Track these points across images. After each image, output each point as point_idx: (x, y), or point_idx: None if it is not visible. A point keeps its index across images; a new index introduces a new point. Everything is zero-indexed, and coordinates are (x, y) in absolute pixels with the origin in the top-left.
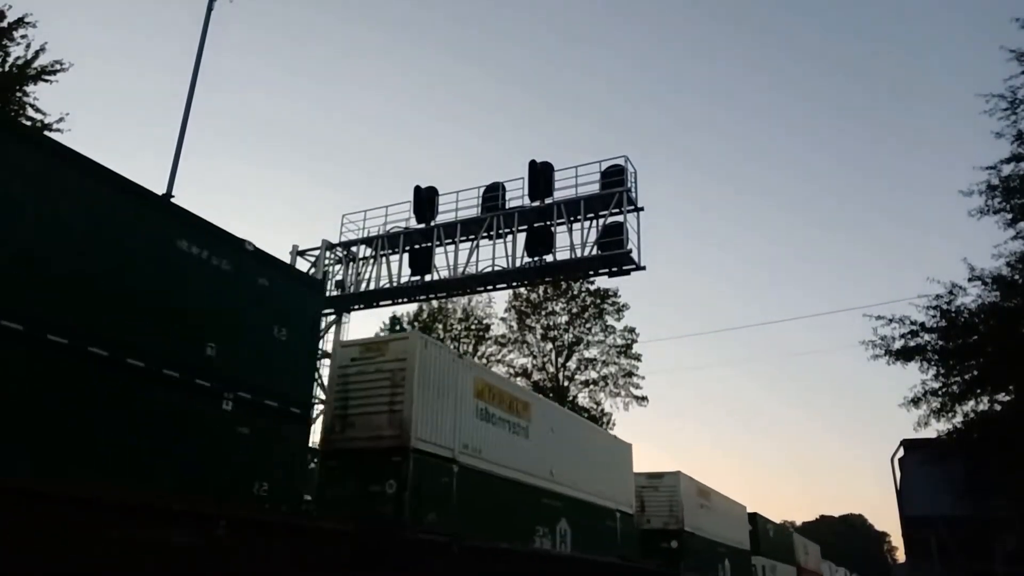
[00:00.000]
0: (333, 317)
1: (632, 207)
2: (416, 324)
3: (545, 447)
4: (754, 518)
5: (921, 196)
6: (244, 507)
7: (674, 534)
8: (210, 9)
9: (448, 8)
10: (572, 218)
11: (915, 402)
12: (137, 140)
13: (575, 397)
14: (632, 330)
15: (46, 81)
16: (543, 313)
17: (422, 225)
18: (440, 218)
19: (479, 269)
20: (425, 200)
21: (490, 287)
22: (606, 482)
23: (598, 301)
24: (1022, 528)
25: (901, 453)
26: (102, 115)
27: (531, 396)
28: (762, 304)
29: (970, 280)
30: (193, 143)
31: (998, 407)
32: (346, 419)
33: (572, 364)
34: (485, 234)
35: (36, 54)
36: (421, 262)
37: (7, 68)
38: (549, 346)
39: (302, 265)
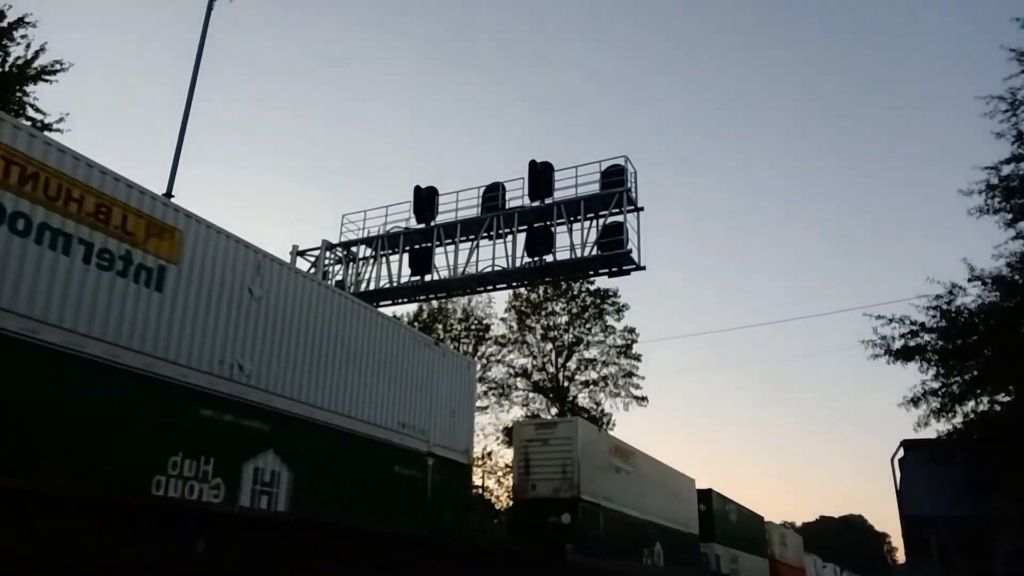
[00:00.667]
0: None
1: (632, 207)
2: (416, 324)
3: (224, 319)
4: (708, 496)
5: (921, 196)
6: None
7: (567, 504)
8: (210, 9)
9: (447, 8)
10: (572, 218)
11: (915, 402)
12: (137, 141)
13: (575, 397)
14: (632, 330)
15: (46, 81)
16: (543, 313)
17: (422, 225)
18: (440, 218)
19: (479, 269)
20: (425, 200)
21: (490, 287)
22: (404, 405)
23: (598, 301)
24: (1022, 528)
25: (901, 453)
26: (102, 115)
27: (184, 219)
28: (762, 304)
29: (970, 280)
30: (193, 143)
31: (998, 407)
32: None
33: (572, 364)
34: (485, 234)
35: (36, 54)
36: (421, 262)
37: (7, 68)
38: (549, 346)
39: (302, 265)
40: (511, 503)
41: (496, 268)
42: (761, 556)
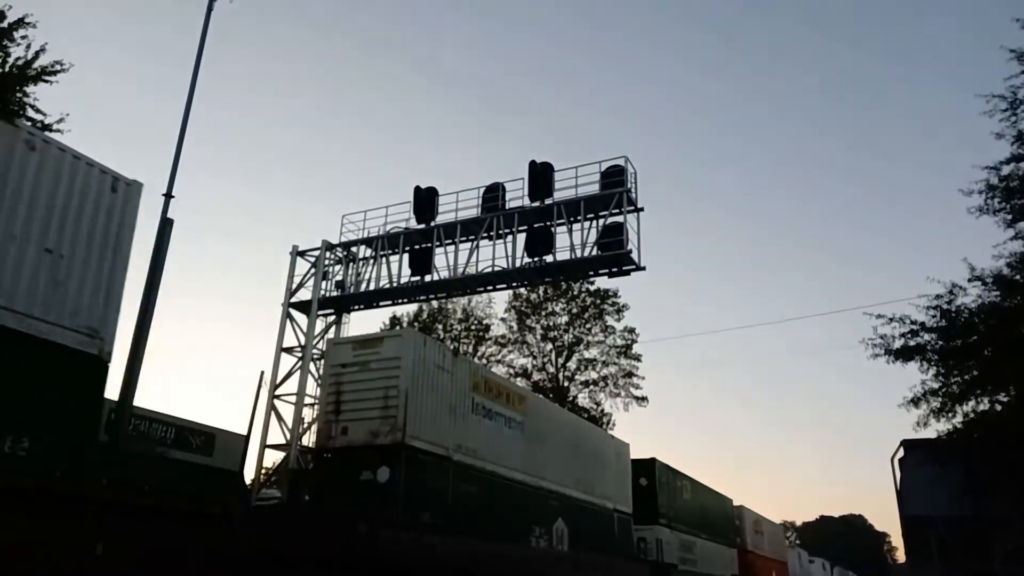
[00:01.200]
0: (333, 317)
1: (632, 207)
2: (416, 324)
3: None
4: (650, 467)
5: (922, 196)
6: None
7: (387, 454)
8: (210, 9)
9: (448, 8)
10: (572, 218)
11: (915, 402)
12: (137, 140)
13: (575, 397)
14: (632, 330)
15: (46, 82)
16: (543, 313)
17: (422, 225)
18: (440, 218)
19: (479, 269)
20: (425, 200)
21: (490, 287)
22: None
23: (598, 301)
24: (1022, 528)
25: (901, 453)
26: (102, 116)
27: None
28: (762, 304)
29: (970, 280)
30: (193, 143)
31: (998, 407)
32: None
33: (572, 364)
34: (485, 234)
35: (36, 54)
36: (421, 262)
37: (7, 68)
38: (549, 346)
39: (302, 265)
40: (314, 457)
41: (496, 268)
42: (727, 545)
